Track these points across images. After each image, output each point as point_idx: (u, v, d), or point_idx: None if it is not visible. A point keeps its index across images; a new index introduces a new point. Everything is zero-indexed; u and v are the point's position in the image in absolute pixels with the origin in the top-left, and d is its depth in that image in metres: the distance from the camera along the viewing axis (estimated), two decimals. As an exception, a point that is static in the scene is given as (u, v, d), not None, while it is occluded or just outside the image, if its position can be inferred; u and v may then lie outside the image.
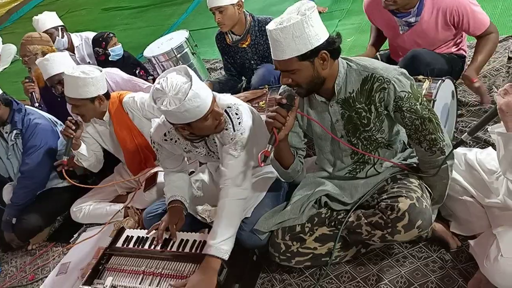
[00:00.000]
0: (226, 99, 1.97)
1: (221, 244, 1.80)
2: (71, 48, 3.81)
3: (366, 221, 1.76)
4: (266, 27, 1.62)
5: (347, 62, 1.75)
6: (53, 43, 3.63)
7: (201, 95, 1.73)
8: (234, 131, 1.88)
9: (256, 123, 2.00)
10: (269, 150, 1.64)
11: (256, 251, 2.05)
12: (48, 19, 3.82)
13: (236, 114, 1.89)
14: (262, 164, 1.63)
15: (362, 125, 1.78)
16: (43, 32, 3.63)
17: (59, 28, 3.75)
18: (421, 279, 1.82)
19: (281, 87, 1.91)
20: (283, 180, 2.08)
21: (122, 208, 2.72)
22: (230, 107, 1.91)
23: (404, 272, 1.87)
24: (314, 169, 2.11)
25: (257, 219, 1.98)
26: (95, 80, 2.42)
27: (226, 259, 1.81)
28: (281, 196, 2.17)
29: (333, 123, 1.82)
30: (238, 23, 2.95)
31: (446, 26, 2.37)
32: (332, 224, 1.91)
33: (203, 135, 1.95)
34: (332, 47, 1.63)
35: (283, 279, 2.05)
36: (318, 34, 1.59)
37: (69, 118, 2.52)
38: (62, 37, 3.74)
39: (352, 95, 1.74)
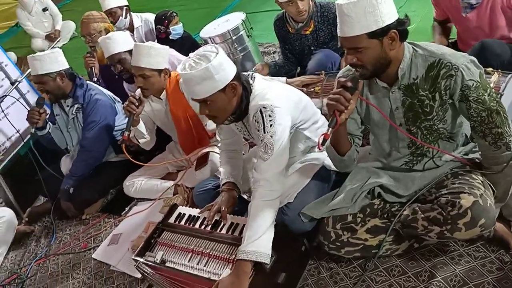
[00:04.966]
0: (271, 92, 1.91)
1: (248, 246, 1.75)
2: (130, 29, 3.85)
3: (423, 215, 1.71)
4: (336, 2, 1.57)
5: (413, 47, 1.68)
6: (116, 23, 3.71)
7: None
8: (264, 132, 1.84)
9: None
10: (329, 133, 1.59)
11: (305, 242, 2.03)
12: None
13: (270, 116, 1.83)
14: (321, 147, 1.59)
15: (424, 113, 1.71)
16: (106, 10, 3.70)
17: (124, 7, 3.78)
18: (477, 279, 1.75)
19: (340, 70, 1.87)
20: (335, 169, 2.04)
21: (173, 186, 2.78)
22: (265, 107, 1.85)
23: (459, 271, 1.80)
24: (367, 159, 2.05)
25: (300, 204, 1.97)
26: (165, 52, 2.50)
27: (259, 259, 1.74)
28: (327, 184, 2.14)
29: (393, 110, 1.76)
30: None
31: (508, 8, 2.25)
32: (385, 216, 1.87)
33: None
34: (402, 27, 1.58)
35: (330, 267, 2.03)
36: (390, 12, 1.54)
37: (131, 94, 2.57)
38: (125, 17, 3.77)
39: (416, 81, 1.67)
